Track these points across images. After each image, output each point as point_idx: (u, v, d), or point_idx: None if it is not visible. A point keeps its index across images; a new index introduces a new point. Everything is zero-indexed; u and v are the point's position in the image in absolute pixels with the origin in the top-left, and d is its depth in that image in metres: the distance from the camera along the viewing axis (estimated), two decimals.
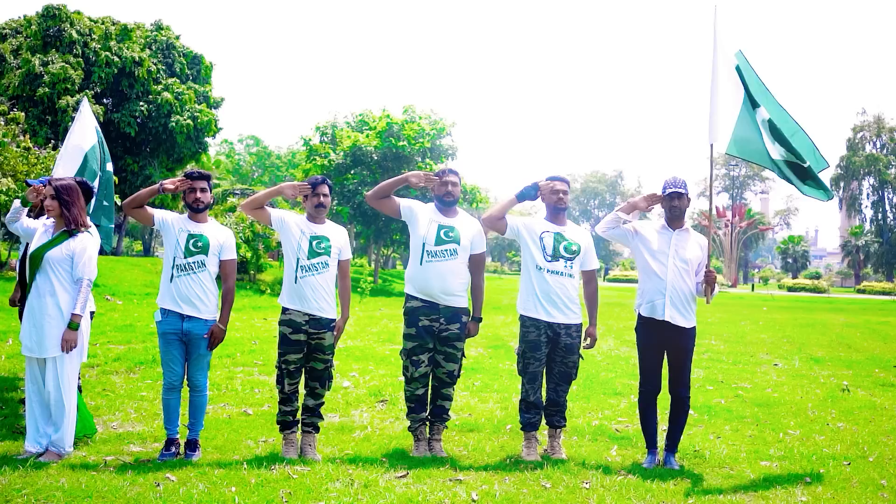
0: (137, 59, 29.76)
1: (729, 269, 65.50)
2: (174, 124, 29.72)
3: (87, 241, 5.45)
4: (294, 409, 5.72)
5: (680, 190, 5.85)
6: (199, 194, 5.56)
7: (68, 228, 5.41)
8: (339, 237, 5.79)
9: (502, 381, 9.34)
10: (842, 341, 16.42)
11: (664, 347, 5.86)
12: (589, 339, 6.07)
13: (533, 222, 6.01)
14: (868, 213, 73.93)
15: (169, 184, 5.51)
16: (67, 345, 5.28)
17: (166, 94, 29.78)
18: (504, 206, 6.03)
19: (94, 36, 29.35)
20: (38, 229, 5.54)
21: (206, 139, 31.79)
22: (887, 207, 72.88)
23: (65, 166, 8.40)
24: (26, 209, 5.74)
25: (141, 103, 29.50)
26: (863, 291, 56.51)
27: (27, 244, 6.20)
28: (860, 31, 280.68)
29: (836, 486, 5.30)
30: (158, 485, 4.77)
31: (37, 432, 5.40)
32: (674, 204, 5.87)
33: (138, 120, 29.31)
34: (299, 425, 5.77)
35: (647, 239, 5.92)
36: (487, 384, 9.12)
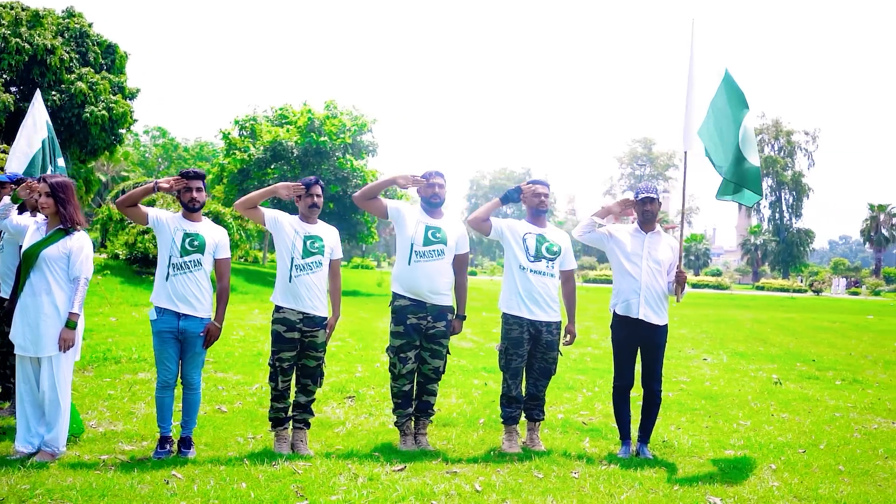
0: (49, 46, 28.71)
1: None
2: (88, 115, 28.77)
3: (84, 240, 5.44)
4: (287, 406, 5.82)
5: (652, 195, 6.19)
6: (195, 193, 5.60)
7: (64, 226, 5.38)
8: (331, 237, 5.92)
9: (457, 377, 9.58)
10: (756, 336, 17.29)
11: (638, 344, 6.19)
12: (569, 336, 6.36)
13: (516, 224, 6.26)
14: (766, 212, 77.23)
15: (164, 183, 5.53)
16: (65, 344, 5.27)
17: (80, 84, 28.80)
18: (488, 208, 6.26)
19: (3, 21, 28.21)
20: (30, 227, 5.48)
21: (122, 131, 30.92)
22: (784, 207, 76.30)
23: (18, 161, 8.24)
24: (16, 206, 5.66)
25: (53, 93, 28.45)
26: (761, 288, 59.00)
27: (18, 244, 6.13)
28: (760, 39, 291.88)
29: (799, 472, 5.72)
30: (168, 482, 4.83)
31: (28, 432, 5.36)
32: (646, 208, 6.20)
33: (50, 110, 28.27)
34: (290, 422, 5.87)
35: (622, 241, 6.24)
36: (445, 380, 9.32)
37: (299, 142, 30.00)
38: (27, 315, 5.26)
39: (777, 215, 76.19)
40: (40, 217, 5.56)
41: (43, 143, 8.57)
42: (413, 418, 6.17)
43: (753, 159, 6.35)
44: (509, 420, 6.22)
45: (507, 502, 4.76)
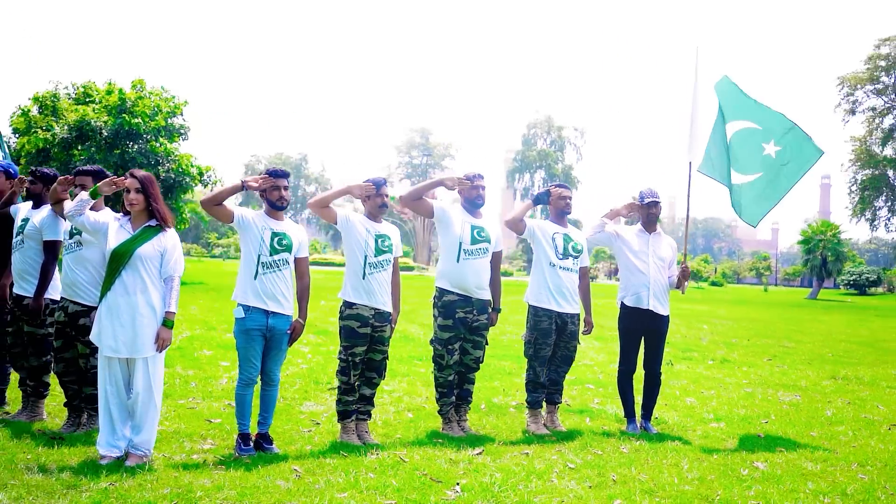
0: None
1: (420, 254, 69.49)
2: None
3: (176, 238, 5.36)
4: (355, 399, 6.03)
5: (657, 199, 7.00)
6: (283, 192, 5.66)
7: (156, 224, 5.27)
8: (396, 235, 6.18)
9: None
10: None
11: (643, 333, 6.98)
12: (587, 327, 7.02)
13: (545, 224, 6.82)
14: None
15: (252, 181, 5.56)
16: (164, 343, 5.19)
17: None
18: (524, 209, 6.78)
19: None
20: (111, 224, 5.30)
21: None
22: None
23: None
24: (93, 202, 5.38)
25: None
26: None
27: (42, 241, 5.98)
28: (535, 37, 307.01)
29: (781, 433, 6.79)
30: (297, 476, 4.96)
31: (113, 435, 5.21)
32: (651, 211, 7.00)
33: None
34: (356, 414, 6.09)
35: (628, 241, 7.00)
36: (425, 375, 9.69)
37: (110, 122, 28.34)
38: (119, 315, 5.11)
39: None
40: (119, 213, 5.38)
41: None
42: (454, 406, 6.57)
43: (739, 177, 7.30)
44: (536, 404, 6.79)
45: (613, 475, 5.34)
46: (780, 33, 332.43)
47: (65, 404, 6.03)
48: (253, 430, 5.69)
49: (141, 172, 5.31)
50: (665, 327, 7.02)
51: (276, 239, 5.61)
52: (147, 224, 5.27)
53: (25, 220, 6.19)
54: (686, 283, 7.19)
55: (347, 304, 5.96)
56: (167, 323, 5.19)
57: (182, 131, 31.71)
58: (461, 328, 6.39)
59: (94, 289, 5.76)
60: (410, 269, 54.22)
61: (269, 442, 5.67)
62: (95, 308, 5.70)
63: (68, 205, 6.00)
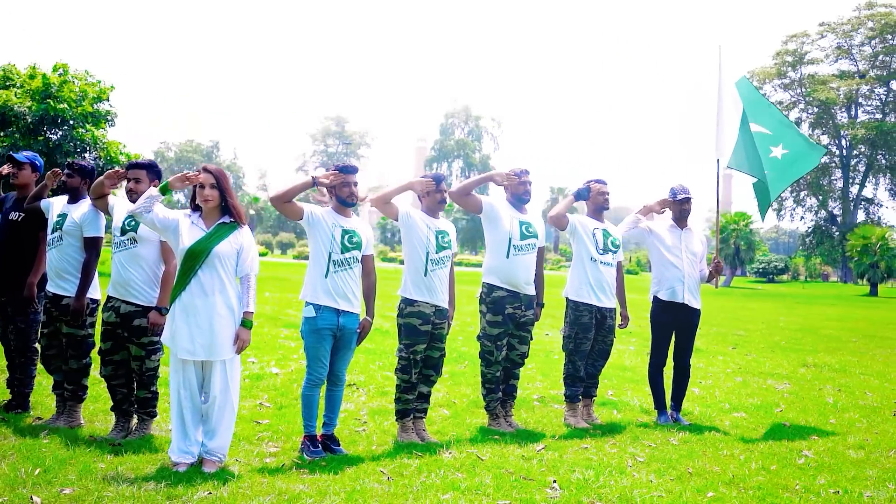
0: None
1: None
2: None
3: (251, 235, 5.18)
4: (415, 397, 5.96)
5: (689, 195, 7.13)
6: (353, 188, 5.53)
7: (230, 220, 5.08)
8: (453, 232, 6.12)
9: None
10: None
11: (675, 326, 7.11)
12: (623, 321, 7.11)
13: (585, 220, 6.86)
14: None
15: (323, 178, 5.42)
16: (243, 345, 5.01)
17: None
18: (566, 204, 6.80)
19: None
20: (181, 220, 5.07)
21: None
22: None
23: None
24: (163, 197, 5.12)
25: None
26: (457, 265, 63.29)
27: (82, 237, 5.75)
28: (452, 26, 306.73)
29: (802, 422, 7.03)
30: (389, 478, 4.88)
31: (185, 441, 5.00)
32: (684, 207, 7.14)
33: None
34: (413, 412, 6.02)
35: (661, 237, 7.12)
36: None
37: (34, 108, 27.12)
38: (196, 316, 4.90)
39: None
40: (187, 210, 5.16)
41: None
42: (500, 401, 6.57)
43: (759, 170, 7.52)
44: (574, 398, 6.85)
45: (688, 468, 5.44)
46: (693, 27, 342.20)
47: (112, 408, 5.77)
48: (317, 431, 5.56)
49: (213, 167, 5.11)
50: (697, 320, 7.17)
51: (346, 236, 5.48)
52: (221, 221, 5.07)
53: (63, 216, 5.88)
54: (718, 278, 7.35)
55: (408, 302, 5.88)
56: (246, 323, 5.02)
57: (109, 118, 30.63)
58: (510, 324, 6.38)
59: (149, 288, 5.52)
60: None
61: (337, 443, 5.56)
62: (151, 308, 5.48)
63: (117, 200, 5.76)
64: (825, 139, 65.16)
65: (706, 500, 4.77)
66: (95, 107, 30.00)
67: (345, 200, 5.54)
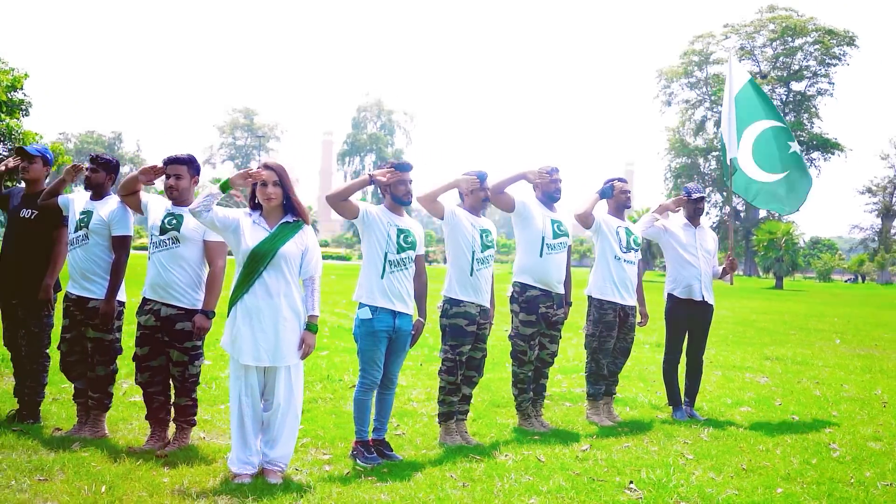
0: None
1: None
2: None
3: (314, 234, 4.97)
4: (459, 399, 5.86)
5: (703, 195, 7.24)
6: (409, 186, 5.38)
7: (293, 219, 4.86)
8: (495, 230, 6.03)
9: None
10: None
11: (690, 323, 7.21)
12: (643, 319, 7.15)
13: (608, 218, 6.86)
14: (370, 188, 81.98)
15: (380, 175, 5.25)
16: (308, 350, 4.81)
17: None
18: (593, 203, 6.78)
19: None
20: (242, 220, 4.81)
21: None
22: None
23: None
24: (222, 195, 4.81)
25: None
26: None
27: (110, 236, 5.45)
28: (363, 20, 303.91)
29: (808, 416, 7.23)
30: (464, 484, 4.77)
31: (246, 451, 4.75)
32: (698, 206, 7.25)
33: None
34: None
35: (677, 235, 7.20)
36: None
37: None
38: (260, 320, 4.66)
39: (379, 190, 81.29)
40: (246, 209, 4.92)
41: None
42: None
43: (767, 175, 7.72)
44: (597, 396, 6.87)
45: (742, 464, 5.51)
46: (605, 24, 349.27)
47: (147, 417, 5.45)
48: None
49: (274, 163, 4.88)
50: (711, 316, 7.29)
51: (402, 236, 5.33)
52: (284, 220, 4.85)
53: (87, 213, 5.53)
54: (732, 274, 7.49)
55: (454, 302, 5.77)
56: (311, 327, 4.81)
57: (23, 107, 29.23)
58: (542, 323, 6.33)
59: (192, 290, 5.24)
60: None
61: (389, 448, 5.41)
62: (193, 311, 5.21)
63: (151, 197, 5.45)
64: None
65: (778, 497, 4.82)
66: (10, 95, 28.58)
67: (400, 199, 5.39)
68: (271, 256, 4.68)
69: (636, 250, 6.92)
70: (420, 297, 5.55)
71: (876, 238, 73.88)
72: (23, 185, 6.12)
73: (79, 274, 5.50)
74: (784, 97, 66.36)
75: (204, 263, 5.32)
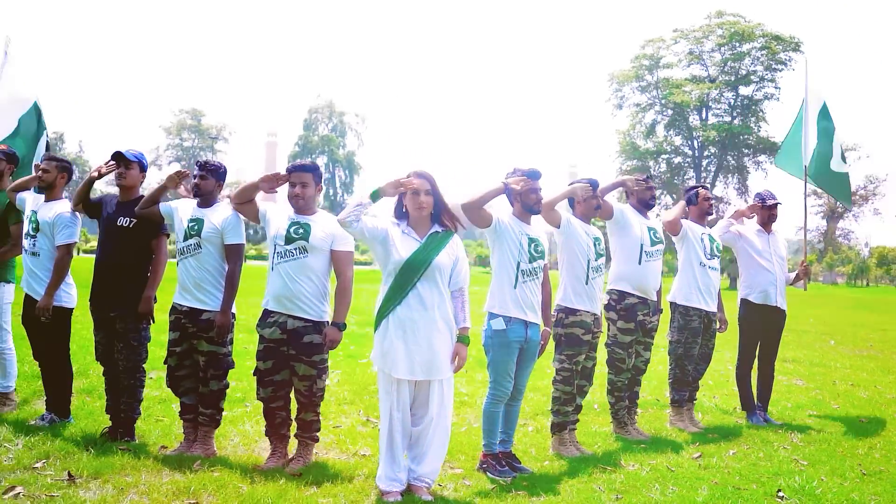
0: None
1: None
2: None
3: (462, 245, 4.85)
4: (573, 409, 5.81)
5: (778, 201, 7.31)
6: (540, 194, 5.31)
7: (443, 229, 4.74)
8: (602, 238, 5.98)
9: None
10: None
11: (764, 328, 7.27)
12: (722, 325, 7.18)
13: (692, 225, 6.87)
14: (322, 188, 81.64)
15: (514, 183, 5.17)
16: (462, 362, 4.70)
17: None
18: (681, 210, 6.79)
19: None
20: (390, 229, 4.67)
21: None
22: (338, 184, 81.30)
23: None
24: (373, 204, 4.64)
25: None
26: None
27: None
28: (314, 22, 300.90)
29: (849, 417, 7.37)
30: (619, 496, 4.73)
31: (394, 467, 4.63)
32: (773, 212, 7.32)
33: None
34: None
35: (751, 241, 7.27)
36: None
37: None
38: (414, 333, 4.53)
39: (332, 192, 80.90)
40: (362, 216, 4.69)
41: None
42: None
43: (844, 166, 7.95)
44: (682, 402, 6.89)
45: (861, 469, 5.56)
46: (557, 26, 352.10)
47: (268, 433, 5.27)
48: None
49: (425, 171, 4.75)
50: (784, 322, 7.36)
51: (532, 245, 5.25)
52: (433, 230, 4.72)
53: (197, 221, 5.33)
54: (806, 280, 7.58)
55: (570, 311, 5.71)
56: (464, 339, 4.70)
57: None
58: (640, 332, 6.32)
59: (318, 302, 5.08)
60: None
61: (517, 461, 5.33)
62: (321, 324, 5.06)
63: (270, 205, 5.29)
64: (679, 140, 68.59)
65: None
66: None
67: (532, 207, 5.30)
68: (425, 267, 4.56)
69: (718, 257, 6.95)
70: (546, 306, 5.48)
71: (822, 239, 75.87)
72: (114, 191, 5.90)
73: (191, 284, 5.30)
74: (732, 101, 67.59)
75: (329, 274, 5.17)
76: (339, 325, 5.03)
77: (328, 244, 5.07)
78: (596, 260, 5.77)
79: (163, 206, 5.54)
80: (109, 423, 5.70)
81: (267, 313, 5.11)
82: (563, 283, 5.78)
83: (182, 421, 5.52)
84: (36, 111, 6.95)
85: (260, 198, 5.40)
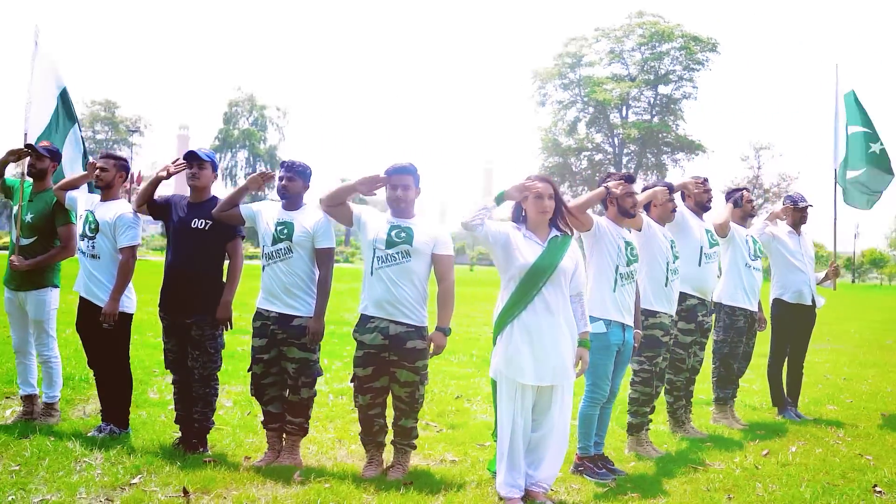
0: None
1: None
2: None
3: (578, 248, 4.84)
4: (650, 410, 5.88)
5: (809, 204, 7.54)
6: (636, 198, 5.34)
7: (561, 233, 4.71)
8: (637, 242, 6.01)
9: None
10: None
11: (797, 326, 7.50)
12: (762, 324, 7.35)
13: (737, 227, 7.02)
14: (241, 182, 79.75)
15: (615, 187, 5.19)
16: (585, 366, 4.72)
17: None
18: (730, 212, 6.92)
19: None
20: (512, 233, 4.62)
21: None
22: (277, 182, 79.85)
23: (36, 118, 6.41)
24: (497, 208, 4.56)
25: None
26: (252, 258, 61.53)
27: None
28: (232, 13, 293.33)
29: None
30: (730, 497, 4.81)
31: (514, 474, 4.58)
32: (804, 214, 7.54)
33: None
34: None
35: (784, 242, 7.48)
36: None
37: None
38: (541, 338, 4.50)
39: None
40: (486, 220, 4.64)
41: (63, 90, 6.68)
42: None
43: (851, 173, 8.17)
44: (726, 400, 7.04)
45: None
46: (479, 24, 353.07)
47: (365, 441, 5.16)
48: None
49: (547, 175, 4.74)
50: (814, 320, 7.60)
51: (629, 248, 5.29)
52: (553, 234, 4.70)
53: (287, 224, 5.17)
54: (835, 280, 7.84)
55: (649, 313, 5.77)
56: (585, 344, 4.70)
57: None
58: (698, 332, 6.44)
59: (420, 307, 5.00)
60: None
61: (611, 463, 5.36)
62: (423, 329, 4.99)
63: (365, 209, 5.18)
64: (600, 137, 69.91)
65: None
66: None
67: (628, 211, 5.32)
68: (551, 272, 4.54)
69: (760, 258, 7.12)
70: (637, 308, 5.52)
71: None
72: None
73: (280, 289, 5.14)
74: (651, 100, 69.25)
75: (429, 278, 5.10)
76: (445, 330, 4.96)
77: (430, 248, 4.99)
78: (674, 262, 5.83)
79: (244, 209, 5.36)
80: (178, 434, 5.51)
81: (366, 318, 5.00)
82: (643, 286, 5.79)
83: (266, 431, 5.35)
84: (64, 102, 6.61)
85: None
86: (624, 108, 70.01)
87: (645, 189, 5.93)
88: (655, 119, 68.68)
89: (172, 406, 5.71)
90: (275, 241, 5.16)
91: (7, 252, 6.10)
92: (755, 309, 7.05)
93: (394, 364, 4.96)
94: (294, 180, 5.27)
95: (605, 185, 5.25)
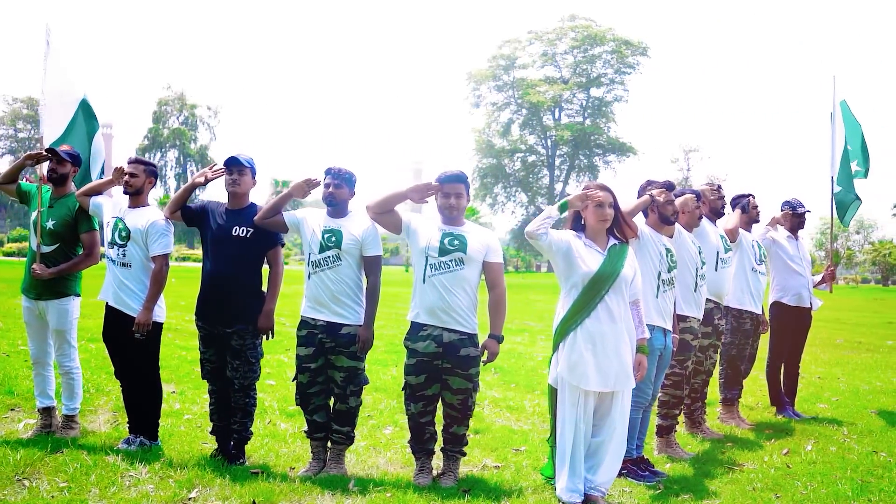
0: None
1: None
2: None
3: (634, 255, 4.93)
4: (678, 413, 6.02)
5: (807, 209, 7.81)
6: (673, 206, 5.45)
7: (618, 242, 4.80)
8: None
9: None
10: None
11: (794, 329, 7.76)
12: (764, 326, 7.57)
13: (743, 232, 7.22)
14: (172, 183, 78.30)
15: (658, 195, 5.29)
16: (644, 372, 4.82)
17: None
18: (739, 217, 7.11)
19: None
20: (572, 241, 4.68)
21: None
22: (188, 178, 78.42)
23: (52, 119, 6.27)
24: (560, 216, 4.59)
25: None
26: None
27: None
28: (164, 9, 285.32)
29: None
30: (777, 495, 4.95)
31: (574, 479, 4.65)
32: (802, 219, 7.81)
33: None
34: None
35: (784, 246, 7.74)
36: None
37: None
38: (604, 344, 4.58)
39: (182, 185, 78.01)
40: (544, 226, 4.70)
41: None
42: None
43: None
44: (734, 401, 7.25)
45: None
46: (419, 24, 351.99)
47: (415, 449, 5.14)
48: None
49: (605, 183, 4.81)
50: (811, 322, 7.88)
51: (669, 255, 5.41)
52: (612, 242, 4.78)
53: (334, 232, 5.12)
54: (831, 283, 8.13)
55: (680, 318, 5.88)
56: (643, 350, 4.80)
57: None
58: (714, 335, 6.61)
59: (472, 314, 5.02)
60: None
61: (651, 465, 5.47)
62: (476, 335, 5.01)
63: (414, 216, 5.18)
64: (533, 139, 70.77)
65: None
66: None
67: (668, 218, 5.44)
68: (614, 279, 4.62)
69: (765, 262, 7.34)
70: (675, 313, 5.64)
71: None
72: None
73: (328, 298, 5.09)
74: (584, 102, 70.44)
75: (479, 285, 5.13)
76: (498, 338, 4.99)
77: (482, 255, 5.02)
78: (702, 268, 5.98)
79: (287, 216, 5.29)
80: (215, 445, 5.42)
81: (418, 326, 4.99)
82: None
83: (311, 441, 5.29)
84: (85, 107, 6.41)
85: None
86: (557, 110, 70.98)
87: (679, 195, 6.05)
88: (588, 121, 69.81)
89: (208, 416, 5.61)
90: (322, 248, 5.11)
91: (26, 260, 5.88)
92: (760, 312, 7.27)
93: (447, 372, 4.97)
94: (341, 187, 5.22)
95: (648, 193, 5.35)
